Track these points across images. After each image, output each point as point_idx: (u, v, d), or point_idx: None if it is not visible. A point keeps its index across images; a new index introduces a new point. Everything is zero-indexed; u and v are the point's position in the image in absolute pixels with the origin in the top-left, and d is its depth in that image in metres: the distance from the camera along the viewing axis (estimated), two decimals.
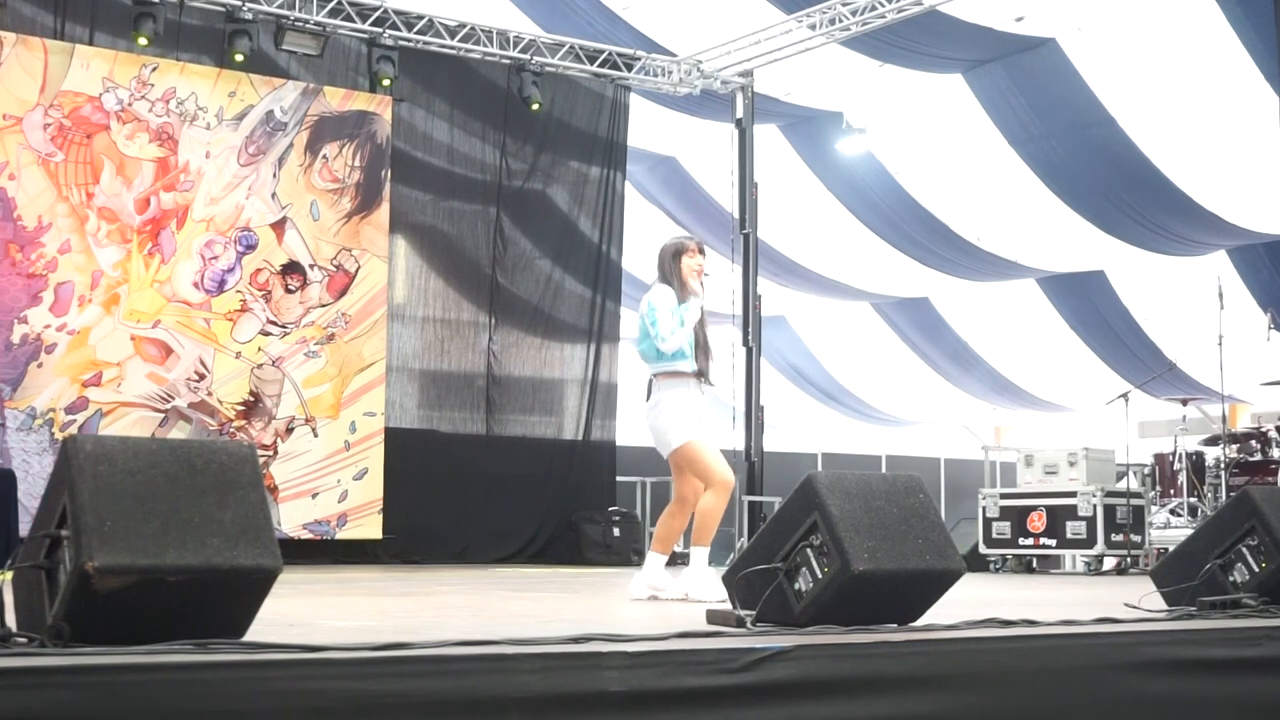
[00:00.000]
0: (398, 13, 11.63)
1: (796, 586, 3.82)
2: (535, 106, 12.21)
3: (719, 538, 13.17)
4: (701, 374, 6.09)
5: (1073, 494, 10.61)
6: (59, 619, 2.88)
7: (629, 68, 12.91)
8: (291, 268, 11.28)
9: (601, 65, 12.73)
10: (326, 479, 11.24)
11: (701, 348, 6.11)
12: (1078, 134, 13.22)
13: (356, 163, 11.62)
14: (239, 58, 10.81)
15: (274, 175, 11.24)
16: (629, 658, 2.97)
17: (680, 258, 6.13)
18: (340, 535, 11.25)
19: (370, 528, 11.37)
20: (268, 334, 11.14)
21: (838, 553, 3.73)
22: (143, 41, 10.49)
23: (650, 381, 6.15)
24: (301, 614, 4.67)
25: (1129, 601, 4.76)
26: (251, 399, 11.03)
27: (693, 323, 6.06)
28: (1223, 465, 10.76)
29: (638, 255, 12.98)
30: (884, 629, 3.73)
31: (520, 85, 12.19)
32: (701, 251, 6.20)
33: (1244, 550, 4.69)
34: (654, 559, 6.11)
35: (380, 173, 11.72)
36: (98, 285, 10.48)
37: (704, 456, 5.97)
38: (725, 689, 3.04)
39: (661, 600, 5.92)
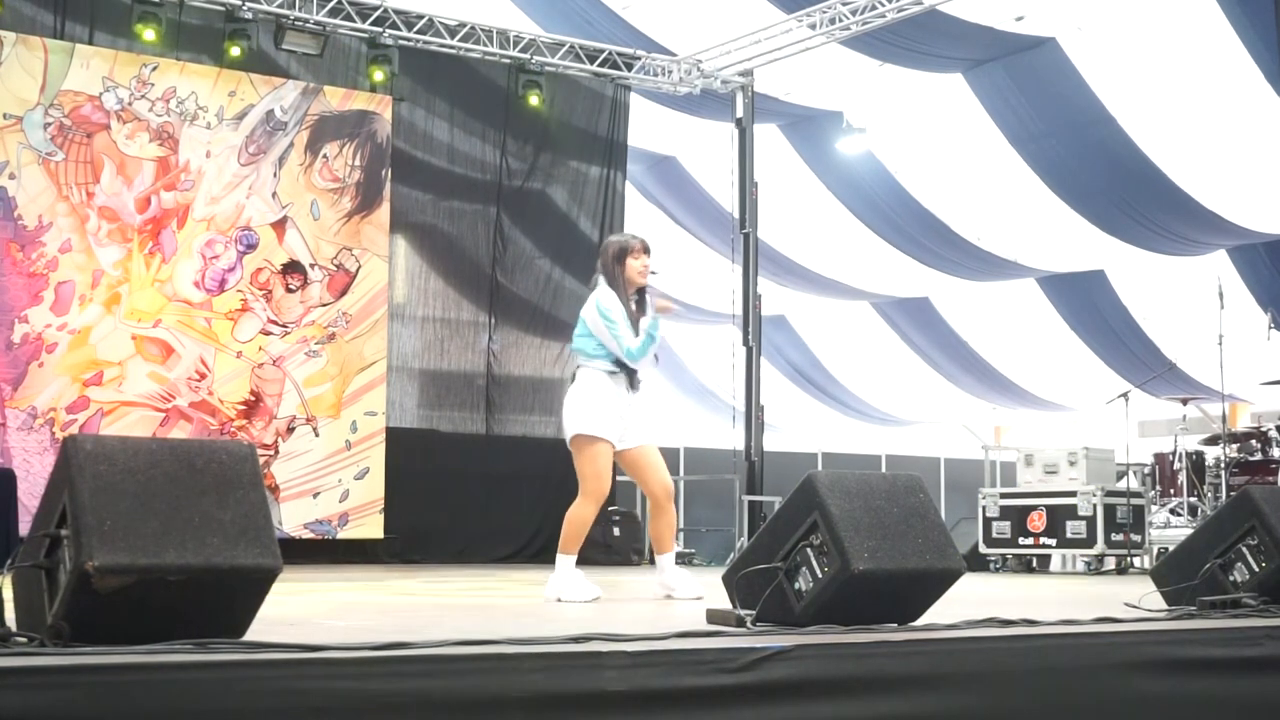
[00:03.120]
0: (398, 12, 11.63)
1: (796, 586, 3.83)
2: (534, 101, 12.19)
3: (719, 538, 13.22)
4: (621, 371, 6.00)
5: (1073, 493, 10.61)
6: (59, 619, 2.88)
7: (629, 67, 12.91)
8: (292, 267, 11.28)
9: (601, 65, 12.73)
10: (328, 478, 11.24)
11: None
12: (1078, 133, 13.21)
13: (357, 162, 11.62)
14: (235, 51, 10.77)
15: (274, 175, 11.24)
16: (629, 657, 2.97)
17: (624, 259, 6.02)
18: (342, 535, 11.25)
19: (372, 527, 11.37)
20: (268, 333, 11.14)
21: (838, 552, 3.73)
22: (149, 36, 10.47)
23: (576, 369, 6.10)
24: (301, 614, 4.67)
25: (1129, 601, 4.76)
26: (252, 398, 11.03)
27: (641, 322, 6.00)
28: (1223, 465, 10.76)
29: None
30: (884, 629, 3.73)
31: (520, 85, 12.20)
32: (647, 251, 6.04)
33: (1244, 550, 4.70)
34: (663, 560, 6.16)
35: (380, 172, 11.72)
36: (98, 284, 10.48)
37: (594, 459, 5.92)
38: (725, 689, 3.04)
39: (676, 599, 5.97)
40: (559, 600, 5.80)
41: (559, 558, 5.91)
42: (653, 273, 6.08)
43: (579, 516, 5.99)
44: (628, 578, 8.98)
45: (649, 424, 6.10)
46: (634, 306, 6.05)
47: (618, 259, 6.03)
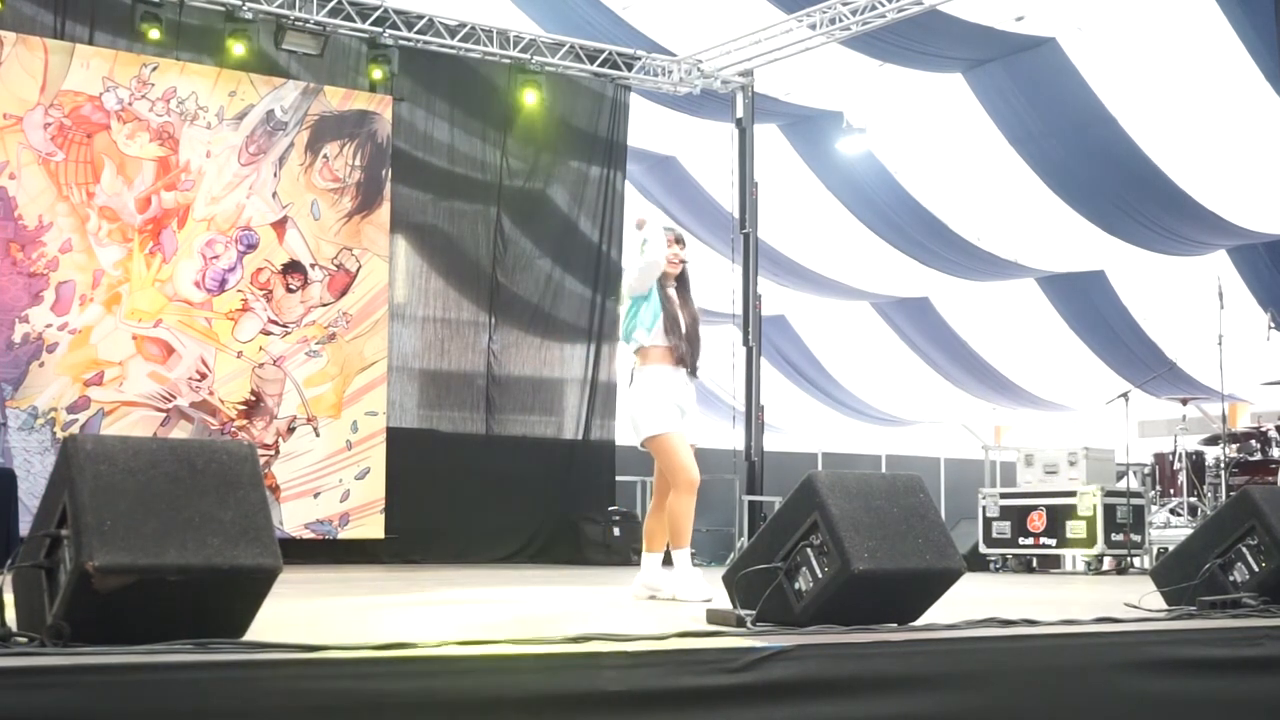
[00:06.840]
0: (398, 12, 11.63)
1: (796, 586, 3.83)
2: (534, 101, 12.19)
3: (719, 538, 13.25)
4: (682, 361, 5.92)
5: (1073, 494, 10.60)
6: (59, 619, 2.88)
7: (629, 67, 12.91)
8: (292, 267, 11.28)
9: (601, 65, 12.73)
10: (328, 478, 11.24)
11: (689, 336, 5.98)
12: (1078, 134, 13.21)
13: (357, 162, 11.62)
14: (238, 50, 10.79)
15: (275, 174, 11.24)
16: (629, 657, 2.97)
17: None
18: (342, 535, 11.25)
19: (373, 527, 11.37)
20: (269, 333, 11.14)
21: (838, 552, 3.73)
22: (154, 35, 10.48)
23: (632, 368, 6.06)
24: (302, 614, 4.67)
25: (1129, 601, 4.76)
26: (253, 398, 11.03)
27: (672, 305, 5.97)
28: (1223, 465, 10.75)
29: None
30: (884, 629, 3.73)
31: (520, 85, 12.19)
32: (678, 241, 6.02)
33: (1244, 550, 4.70)
34: (649, 559, 6.09)
35: (381, 172, 11.73)
36: (99, 284, 10.48)
37: (674, 452, 5.81)
38: (725, 689, 3.04)
39: (660, 599, 5.92)
40: (673, 599, 5.68)
41: (675, 552, 5.82)
42: (683, 261, 6.04)
43: (680, 509, 5.84)
44: (628, 578, 8.96)
45: (696, 415, 6.06)
46: (672, 294, 6.02)
47: None
